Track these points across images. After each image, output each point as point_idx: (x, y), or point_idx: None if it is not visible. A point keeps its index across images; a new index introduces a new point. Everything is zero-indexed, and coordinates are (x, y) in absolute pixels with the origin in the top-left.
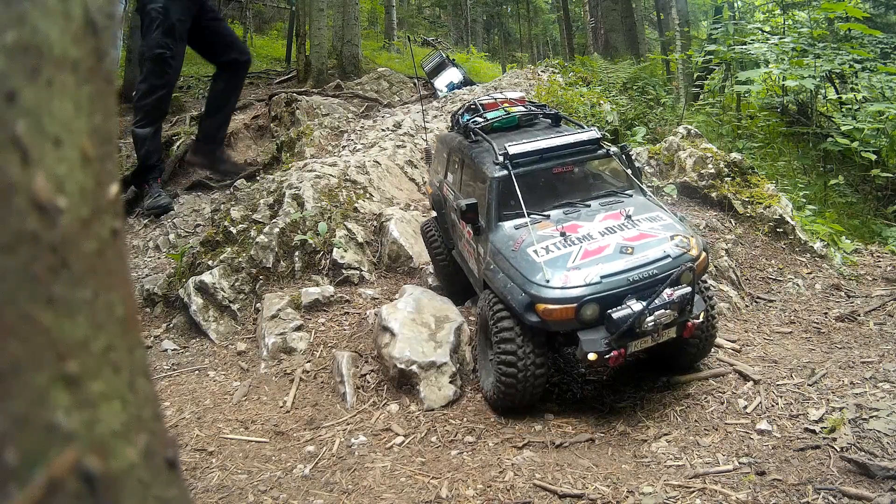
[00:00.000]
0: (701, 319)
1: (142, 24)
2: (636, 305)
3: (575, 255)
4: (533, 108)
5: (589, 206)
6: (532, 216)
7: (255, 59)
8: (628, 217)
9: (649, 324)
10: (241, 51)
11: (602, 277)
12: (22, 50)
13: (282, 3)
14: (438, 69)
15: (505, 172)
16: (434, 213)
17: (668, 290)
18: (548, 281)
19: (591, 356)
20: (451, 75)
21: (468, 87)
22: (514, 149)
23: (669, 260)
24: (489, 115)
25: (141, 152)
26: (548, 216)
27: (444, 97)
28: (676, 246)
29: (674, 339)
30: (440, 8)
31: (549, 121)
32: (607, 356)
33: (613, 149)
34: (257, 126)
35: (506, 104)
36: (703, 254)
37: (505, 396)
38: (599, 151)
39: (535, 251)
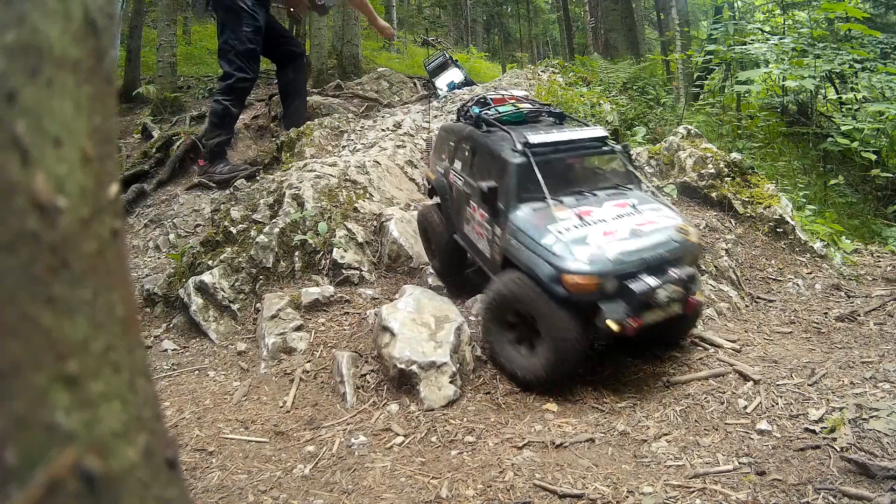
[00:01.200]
0: (700, 298)
1: (224, 16)
2: (651, 280)
3: (594, 234)
4: (538, 106)
5: (596, 195)
6: (548, 200)
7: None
8: (634, 206)
9: (661, 298)
10: (295, 43)
11: (621, 254)
12: (22, 50)
13: (281, 3)
14: (441, 69)
15: (524, 159)
16: (431, 201)
17: (675, 270)
18: (573, 256)
19: (612, 324)
20: (453, 75)
21: (468, 87)
22: (533, 139)
23: (675, 244)
24: (500, 109)
25: (229, 130)
26: (561, 201)
27: (444, 97)
28: (678, 232)
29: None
30: (440, 8)
31: (554, 119)
32: (626, 325)
33: (617, 147)
34: (257, 126)
35: (513, 100)
36: (700, 241)
37: (558, 369)
38: (605, 148)
39: (558, 230)
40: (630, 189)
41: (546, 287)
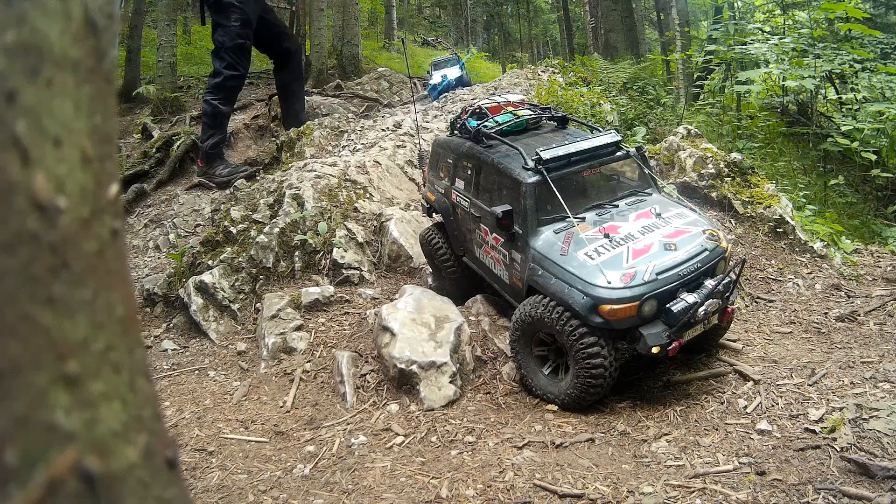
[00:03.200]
0: (736, 305)
1: (215, 15)
2: (690, 298)
3: (626, 255)
4: (538, 111)
5: (617, 206)
6: (569, 219)
7: (254, 60)
8: (658, 215)
9: (701, 313)
10: (290, 40)
11: (657, 274)
12: (22, 50)
13: (282, 3)
14: (442, 64)
15: (539, 177)
16: (429, 221)
17: (711, 281)
18: (609, 283)
19: (655, 349)
20: (449, 72)
21: (468, 88)
22: (546, 153)
23: (708, 253)
24: (499, 119)
25: (223, 129)
26: (583, 218)
27: (443, 92)
28: (709, 239)
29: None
30: (440, 8)
31: (555, 123)
32: (669, 347)
33: (632, 150)
34: (257, 126)
35: (510, 108)
36: (729, 245)
37: (591, 394)
38: (620, 153)
39: (587, 254)
40: (648, 194)
41: (581, 317)
